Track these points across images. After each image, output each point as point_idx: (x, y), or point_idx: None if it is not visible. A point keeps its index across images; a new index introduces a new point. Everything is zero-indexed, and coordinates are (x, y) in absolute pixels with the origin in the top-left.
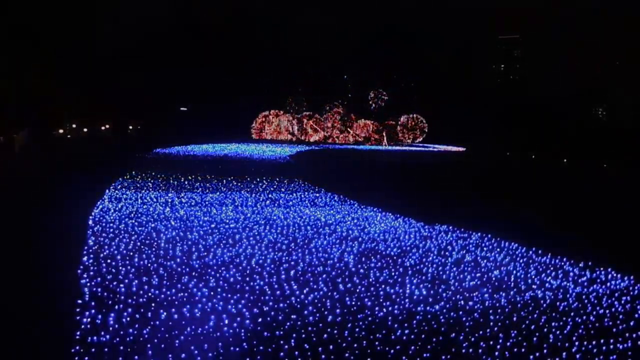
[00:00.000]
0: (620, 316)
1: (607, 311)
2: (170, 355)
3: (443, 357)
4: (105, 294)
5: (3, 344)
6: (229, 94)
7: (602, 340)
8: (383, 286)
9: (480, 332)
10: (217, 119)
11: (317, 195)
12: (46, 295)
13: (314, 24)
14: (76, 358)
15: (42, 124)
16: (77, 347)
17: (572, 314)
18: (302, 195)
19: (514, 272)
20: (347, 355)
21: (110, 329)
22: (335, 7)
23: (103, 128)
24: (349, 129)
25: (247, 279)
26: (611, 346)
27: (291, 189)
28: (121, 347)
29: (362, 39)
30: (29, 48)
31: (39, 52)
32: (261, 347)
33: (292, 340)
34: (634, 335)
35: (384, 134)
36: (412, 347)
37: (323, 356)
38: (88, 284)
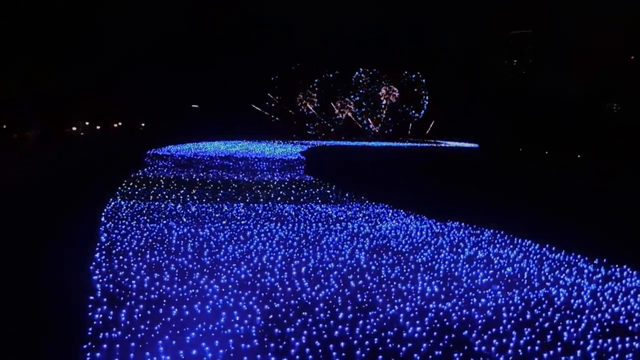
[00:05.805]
0: (637, 314)
1: (623, 309)
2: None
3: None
4: None
5: None
6: (235, 93)
7: (617, 339)
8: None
9: (493, 330)
10: (225, 119)
11: None
12: None
13: (319, 21)
14: None
15: (54, 122)
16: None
17: (586, 311)
18: None
19: (527, 269)
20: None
21: None
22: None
23: (115, 125)
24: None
25: None
26: (627, 344)
27: None
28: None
29: (368, 32)
30: (40, 48)
31: (50, 52)
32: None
33: None
34: None
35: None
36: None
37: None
38: None
